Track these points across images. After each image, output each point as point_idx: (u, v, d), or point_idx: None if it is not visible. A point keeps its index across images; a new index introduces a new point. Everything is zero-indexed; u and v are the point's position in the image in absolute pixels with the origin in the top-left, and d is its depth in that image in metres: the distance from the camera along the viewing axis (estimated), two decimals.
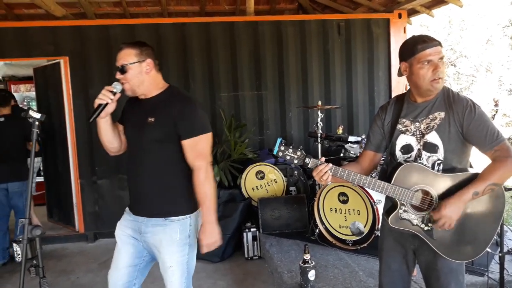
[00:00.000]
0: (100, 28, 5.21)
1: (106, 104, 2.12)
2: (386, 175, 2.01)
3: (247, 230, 4.33)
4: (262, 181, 4.66)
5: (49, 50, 5.09)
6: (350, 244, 3.83)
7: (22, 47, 5.10)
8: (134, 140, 2.27)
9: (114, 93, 2.14)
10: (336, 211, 3.90)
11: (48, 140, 5.39)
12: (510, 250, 3.50)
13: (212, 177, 2.21)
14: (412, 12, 5.78)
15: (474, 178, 1.88)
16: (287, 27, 5.47)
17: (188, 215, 2.23)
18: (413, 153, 1.97)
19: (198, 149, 2.14)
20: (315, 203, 3.98)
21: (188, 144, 2.13)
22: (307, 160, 1.91)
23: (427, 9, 5.53)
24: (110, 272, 2.33)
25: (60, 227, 5.44)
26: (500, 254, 2.86)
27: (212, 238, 2.19)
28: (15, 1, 5.91)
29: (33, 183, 2.06)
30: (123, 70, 2.15)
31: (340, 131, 4.69)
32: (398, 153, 2.02)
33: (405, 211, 1.94)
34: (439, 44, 1.89)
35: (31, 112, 1.96)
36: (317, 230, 4.04)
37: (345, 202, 3.84)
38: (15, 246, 1.96)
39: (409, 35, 5.62)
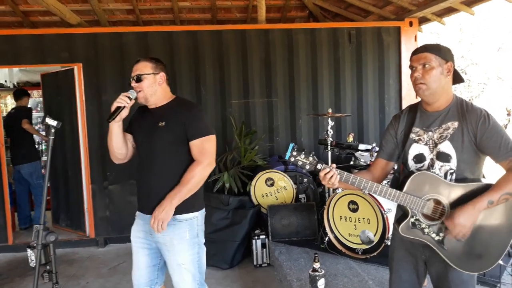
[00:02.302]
0: (113, 35, 5.28)
1: (123, 107, 2.31)
2: (398, 183, 2.01)
3: (256, 237, 4.34)
4: (272, 188, 4.67)
5: (63, 57, 5.17)
6: (360, 253, 3.81)
7: (37, 54, 5.18)
8: (145, 144, 2.43)
9: (130, 99, 2.34)
10: (346, 219, 3.89)
11: (57, 145, 5.45)
12: None
13: (205, 175, 2.35)
14: (423, 20, 5.77)
15: (487, 188, 1.87)
16: (297, 35, 5.50)
17: (195, 214, 2.40)
18: (426, 163, 1.97)
19: (203, 148, 2.33)
20: (325, 211, 3.98)
21: (195, 144, 2.33)
22: (319, 166, 1.92)
23: (438, 17, 5.53)
24: (133, 272, 2.50)
25: (68, 232, 5.47)
26: None
27: (162, 215, 2.26)
28: (31, 9, 6.03)
29: (45, 188, 2.09)
30: (139, 79, 2.38)
31: (350, 139, 4.68)
32: (410, 162, 2.02)
33: (416, 220, 1.93)
34: (427, 50, 1.92)
35: (47, 120, 2.02)
36: (327, 238, 4.03)
37: (355, 210, 3.83)
38: (29, 251, 1.99)
39: (420, 43, 5.62)
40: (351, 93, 5.60)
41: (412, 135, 2.02)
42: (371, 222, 3.74)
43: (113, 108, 2.31)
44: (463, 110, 1.93)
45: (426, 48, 1.93)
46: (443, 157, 1.92)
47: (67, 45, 5.18)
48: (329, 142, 4.42)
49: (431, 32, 12.05)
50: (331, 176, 1.90)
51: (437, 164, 1.94)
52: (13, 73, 7.48)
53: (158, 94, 2.42)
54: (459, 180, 1.91)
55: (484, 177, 2.11)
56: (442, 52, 1.92)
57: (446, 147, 1.92)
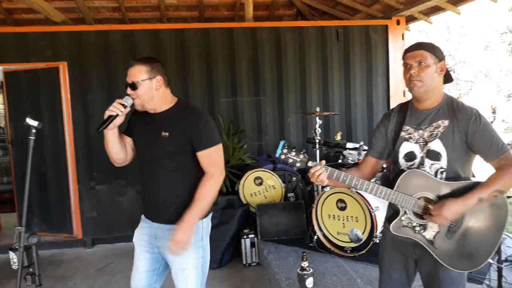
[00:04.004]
0: (98, 33, 5.22)
1: (116, 116, 2.17)
2: (389, 181, 2.00)
3: (245, 237, 4.32)
4: (260, 187, 4.65)
5: (47, 55, 5.09)
6: (349, 251, 3.82)
7: (20, 53, 5.10)
8: (148, 153, 2.33)
9: (125, 107, 2.20)
10: (334, 217, 3.89)
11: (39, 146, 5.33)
12: (509, 258, 3.50)
13: (218, 188, 2.26)
14: (411, 19, 5.80)
15: (476, 186, 1.87)
16: (285, 33, 5.49)
17: (201, 220, 2.31)
18: (416, 161, 1.96)
19: (212, 159, 2.24)
20: (313, 209, 3.97)
21: (203, 155, 2.23)
22: (310, 163, 1.90)
23: (425, 15, 5.56)
24: (132, 275, 2.45)
25: (45, 236, 5.30)
26: (499, 265, 2.85)
27: (183, 237, 2.18)
28: (14, 6, 5.92)
29: (27, 191, 2.05)
30: (134, 87, 2.21)
31: (338, 137, 4.68)
32: (401, 160, 2.01)
33: (407, 218, 1.93)
34: (423, 48, 1.91)
35: (28, 120, 1.97)
36: (316, 236, 4.03)
37: (343, 209, 3.83)
38: (11, 254, 1.95)
39: (407, 41, 5.65)
40: (339, 92, 5.61)
41: (403, 133, 2.01)
42: (359, 220, 3.74)
43: (105, 116, 2.17)
44: (453, 109, 1.93)
45: (422, 46, 1.92)
46: (433, 155, 1.92)
47: (51, 43, 5.10)
48: (317, 141, 4.42)
49: (419, 31, 12.14)
50: (320, 174, 1.88)
51: (427, 162, 1.93)
52: None
53: (156, 100, 2.25)
54: (450, 178, 1.91)
55: (473, 176, 2.11)
56: (436, 51, 1.92)
57: (436, 145, 1.91)
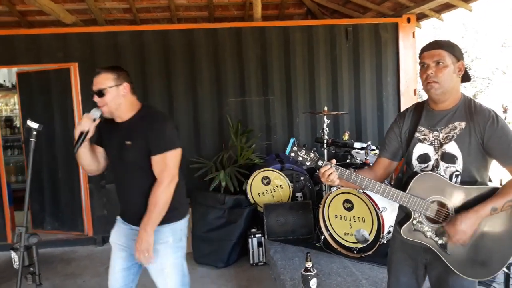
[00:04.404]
0: (108, 34, 5.28)
1: (88, 132, 2.22)
2: (401, 183, 1.95)
3: (252, 236, 4.33)
4: (268, 186, 4.65)
5: (59, 56, 5.17)
6: (355, 252, 3.79)
7: (33, 54, 5.19)
8: (116, 163, 2.38)
9: (94, 120, 2.24)
10: (341, 218, 3.86)
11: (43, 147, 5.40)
12: None
13: (170, 193, 2.26)
14: (422, 17, 5.73)
15: (493, 192, 1.81)
16: (294, 32, 5.47)
17: (178, 221, 2.37)
18: (430, 163, 1.91)
19: (164, 164, 2.24)
20: (320, 209, 3.96)
21: (156, 160, 2.24)
22: (320, 162, 1.86)
23: (437, 13, 5.47)
24: (109, 277, 2.48)
25: (58, 234, 5.43)
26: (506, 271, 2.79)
27: (143, 245, 2.21)
28: (28, 8, 6.02)
29: (27, 190, 2.09)
30: (101, 94, 2.24)
31: (346, 137, 4.65)
32: (414, 162, 1.96)
33: (419, 222, 1.87)
34: (441, 47, 1.84)
35: (28, 122, 2.01)
36: (322, 237, 4.01)
37: (350, 209, 3.80)
38: (12, 253, 1.99)
39: (418, 39, 5.58)
40: (349, 91, 5.57)
41: (417, 134, 1.95)
42: (366, 221, 3.71)
43: (76, 134, 2.22)
44: (471, 110, 1.86)
45: (439, 45, 1.85)
46: (449, 158, 1.86)
47: (62, 44, 5.18)
48: (325, 140, 4.40)
49: (434, 27, 11.95)
50: (330, 173, 1.84)
51: (442, 165, 1.87)
52: (12, 73, 7.49)
53: (122, 107, 2.29)
54: (465, 182, 1.84)
55: (490, 180, 2.05)
56: (455, 50, 1.85)
57: (452, 147, 1.85)
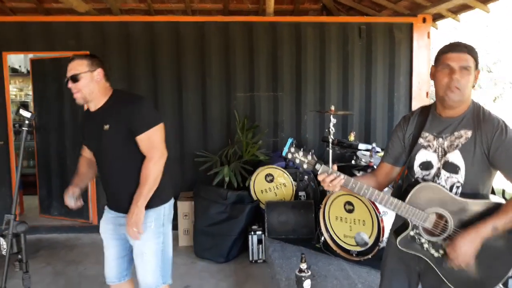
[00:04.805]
0: (120, 24, 5.30)
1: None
2: (401, 191, 1.88)
3: (252, 233, 4.31)
4: (271, 184, 4.62)
5: (71, 44, 5.21)
6: (354, 255, 3.74)
7: (46, 41, 5.26)
8: (97, 149, 2.42)
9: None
10: (341, 220, 3.82)
11: (54, 134, 5.49)
12: None
13: (160, 168, 2.30)
14: (438, 17, 5.59)
15: (496, 208, 1.72)
16: (306, 28, 5.40)
17: (162, 206, 2.40)
18: (432, 171, 1.83)
19: (150, 142, 2.28)
20: (321, 210, 3.91)
21: (142, 139, 2.27)
22: (317, 166, 1.77)
23: (454, 13, 5.33)
24: (105, 265, 2.54)
25: (63, 221, 5.50)
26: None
27: (133, 219, 2.24)
28: None
29: (18, 179, 2.11)
30: (75, 79, 2.27)
31: (352, 137, 4.58)
32: (416, 168, 1.88)
33: (416, 233, 1.81)
34: (468, 52, 1.72)
35: (21, 111, 2.01)
36: (322, 238, 3.97)
37: (350, 211, 3.75)
38: (1, 240, 2.01)
39: (436, 39, 5.45)
40: (359, 90, 5.48)
41: (421, 140, 1.87)
42: (366, 224, 3.66)
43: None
44: (479, 119, 1.77)
45: (468, 49, 1.72)
46: (451, 167, 1.78)
47: (75, 33, 5.23)
48: (330, 140, 4.34)
49: (454, 28, 11.65)
50: (332, 180, 1.75)
51: (444, 174, 1.80)
52: (27, 59, 7.59)
53: (96, 92, 2.31)
54: (466, 194, 1.77)
55: (493, 192, 1.98)
56: (478, 57, 1.75)
57: (455, 157, 1.77)
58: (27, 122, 2.03)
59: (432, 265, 1.81)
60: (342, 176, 1.76)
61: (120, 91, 2.44)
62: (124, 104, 2.30)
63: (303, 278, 3.06)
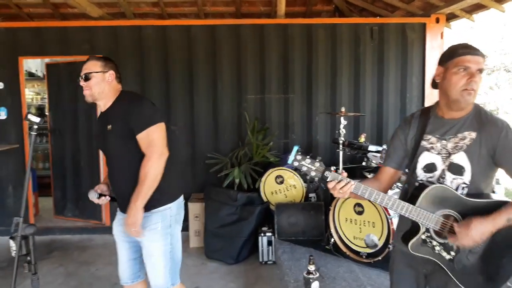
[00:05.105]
0: (133, 28, 5.37)
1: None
2: (407, 195, 1.88)
3: (262, 234, 4.31)
4: (281, 185, 4.62)
5: (85, 48, 5.30)
6: (364, 257, 3.72)
7: (61, 45, 5.35)
8: (103, 149, 2.50)
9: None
10: (351, 221, 3.80)
11: (69, 137, 5.59)
12: None
13: (159, 168, 2.30)
14: (452, 17, 5.51)
15: (502, 205, 1.74)
16: (317, 30, 5.39)
17: (169, 206, 2.40)
18: (437, 173, 1.83)
19: (150, 140, 2.30)
20: (331, 212, 3.90)
21: (141, 138, 2.30)
22: (326, 173, 1.75)
23: (468, 13, 5.26)
24: (119, 267, 2.57)
25: (77, 222, 5.59)
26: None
27: (131, 219, 2.25)
28: (60, 1, 6.20)
29: (26, 182, 2.16)
30: (87, 78, 2.37)
31: (362, 139, 4.54)
32: (419, 171, 1.88)
33: (428, 237, 1.80)
34: (482, 55, 1.75)
35: (29, 116, 2.06)
36: (332, 239, 3.96)
37: (360, 213, 3.73)
38: (11, 242, 2.06)
39: (451, 38, 5.39)
40: (371, 91, 5.44)
41: (424, 143, 1.86)
42: (376, 226, 3.64)
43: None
44: (482, 120, 1.78)
45: (481, 53, 1.76)
46: (456, 169, 1.78)
47: (89, 37, 5.32)
48: (340, 142, 4.32)
49: (471, 27, 11.48)
50: (343, 186, 1.73)
51: (449, 176, 1.80)
52: (44, 63, 7.76)
53: (106, 92, 2.39)
54: (471, 195, 1.77)
55: (493, 191, 1.97)
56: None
57: (460, 158, 1.77)
58: (35, 127, 2.08)
59: (443, 267, 1.80)
60: (352, 182, 1.75)
61: (124, 92, 2.49)
62: (124, 104, 2.37)
63: (311, 280, 3.05)
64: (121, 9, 6.35)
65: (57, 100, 5.67)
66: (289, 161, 1.78)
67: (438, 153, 1.83)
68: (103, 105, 2.44)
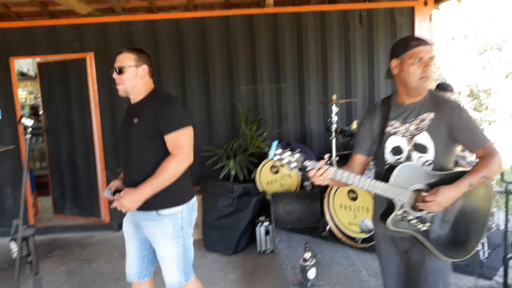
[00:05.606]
0: (122, 24, 5.37)
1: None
2: (381, 177, 1.98)
3: (260, 224, 4.38)
4: (277, 175, 4.68)
5: (75, 46, 5.30)
6: (359, 242, 3.79)
7: (52, 44, 5.35)
8: (123, 139, 2.47)
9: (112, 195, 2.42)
10: (345, 208, 3.87)
11: (64, 135, 5.62)
12: None
13: (181, 169, 2.31)
14: None
15: (465, 174, 1.93)
16: (307, 18, 5.40)
17: (179, 208, 2.39)
18: (404, 154, 1.99)
19: (178, 142, 2.31)
20: (325, 199, 3.96)
21: (169, 139, 2.31)
22: (305, 162, 1.86)
23: None
24: (126, 263, 2.58)
25: (77, 219, 5.64)
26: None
27: (128, 203, 2.27)
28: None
29: (24, 184, 2.19)
30: (120, 71, 2.37)
31: (354, 125, 4.59)
32: (388, 155, 2.03)
33: (403, 212, 1.93)
34: (431, 44, 1.95)
35: (23, 120, 2.09)
36: (328, 226, 4.02)
37: (354, 199, 3.80)
38: (11, 243, 2.11)
39: (444, 20, 5.40)
40: (362, 77, 5.47)
41: (389, 128, 2.03)
42: (370, 211, 3.70)
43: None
44: (437, 101, 1.97)
45: (429, 42, 1.95)
46: (420, 148, 1.95)
47: (79, 35, 5.32)
48: (333, 129, 4.37)
49: (462, 7, 11.44)
50: (322, 173, 1.85)
51: (415, 155, 1.96)
52: (35, 62, 7.74)
53: (138, 87, 2.39)
54: (436, 170, 1.95)
55: (456, 166, 2.13)
56: None
57: (423, 138, 1.94)
58: (29, 129, 2.11)
59: (421, 237, 1.95)
60: (330, 168, 1.87)
61: (158, 90, 2.51)
62: (157, 102, 2.36)
63: (307, 267, 3.13)
64: (110, 5, 6.32)
65: (51, 100, 5.68)
66: (270, 156, 1.87)
67: (403, 136, 1.99)
68: (133, 98, 2.44)
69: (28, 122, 2.11)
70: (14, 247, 2.13)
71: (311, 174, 1.87)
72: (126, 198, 2.26)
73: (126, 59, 2.38)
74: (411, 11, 5.40)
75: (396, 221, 1.93)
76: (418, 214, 1.93)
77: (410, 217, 1.93)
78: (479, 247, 3.30)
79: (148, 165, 2.32)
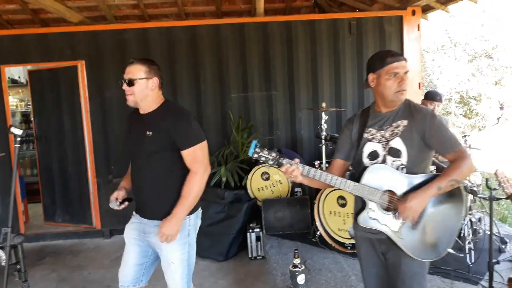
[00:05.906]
0: (114, 32, 5.39)
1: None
2: (355, 178, 2.10)
3: (250, 231, 4.40)
4: (267, 182, 4.72)
5: (66, 54, 5.31)
6: (349, 248, 3.83)
7: (43, 52, 5.35)
8: (135, 151, 2.47)
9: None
10: (335, 214, 3.91)
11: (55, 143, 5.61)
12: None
13: (203, 185, 2.37)
14: (428, 8, 5.63)
15: (435, 177, 2.01)
16: (297, 27, 5.46)
17: (187, 216, 2.41)
18: (379, 159, 2.09)
19: (195, 157, 2.36)
20: (315, 205, 4.01)
21: (186, 154, 2.35)
22: (281, 160, 2.00)
23: (443, 4, 5.38)
24: (120, 269, 2.57)
25: (68, 227, 5.61)
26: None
27: (170, 231, 2.31)
28: (39, 7, 6.19)
29: (12, 193, 2.21)
30: (131, 83, 2.36)
31: None
32: (365, 159, 2.13)
33: (373, 210, 2.02)
34: (405, 59, 2.07)
35: (12, 129, 2.11)
36: (318, 232, 4.06)
37: (343, 205, 3.85)
38: (0, 252, 2.12)
39: (432, 29, 5.49)
40: (352, 85, 5.54)
41: (366, 135, 2.15)
42: None
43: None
44: (411, 110, 2.07)
45: (403, 57, 2.07)
46: (394, 152, 2.05)
47: (70, 42, 5.32)
48: (323, 136, 4.42)
49: (451, 16, 11.65)
50: (293, 170, 1.99)
51: (389, 159, 2.06)
52: (26, 69, 7.73)
53: (148, 99, 2.39)
54: (410, 173, 2.04)
55: (430, 172, 2.19)
56: None
57: (397, 143, 2.04)
58: (18, 139, 2.13)
59: (391, 238, 2.03)
60: (301, 166, 2.00)
61: (171, 102, 2.53)
62: (172, 116, 2.38)
63: (296, 273, 3.16)
64: (102, 13, 6.36)
65: (42, 107, 5.68)
66: (249, 154, 2.03)
67: (379, 142, 2.10)
68: (142, 109, 2.44)
69: (17, 131, 2.13)
70: (2, 255, 2.14)
71: (283, 169, 2.01)
72: (167, 227, 2.30)
73: (137, 71, 2.36)
74: (399, 20, 5.48)
75: (366, 219, 2.03)
76: (387, 213, 2.02)
77: (379, 216, 2.02)
78: (467, 251, 3.36)
79: (161, 177, 2.38)
